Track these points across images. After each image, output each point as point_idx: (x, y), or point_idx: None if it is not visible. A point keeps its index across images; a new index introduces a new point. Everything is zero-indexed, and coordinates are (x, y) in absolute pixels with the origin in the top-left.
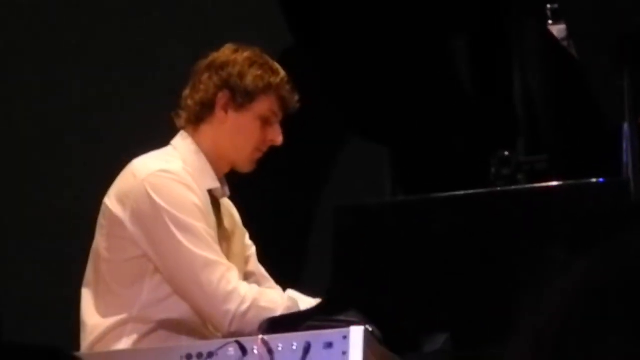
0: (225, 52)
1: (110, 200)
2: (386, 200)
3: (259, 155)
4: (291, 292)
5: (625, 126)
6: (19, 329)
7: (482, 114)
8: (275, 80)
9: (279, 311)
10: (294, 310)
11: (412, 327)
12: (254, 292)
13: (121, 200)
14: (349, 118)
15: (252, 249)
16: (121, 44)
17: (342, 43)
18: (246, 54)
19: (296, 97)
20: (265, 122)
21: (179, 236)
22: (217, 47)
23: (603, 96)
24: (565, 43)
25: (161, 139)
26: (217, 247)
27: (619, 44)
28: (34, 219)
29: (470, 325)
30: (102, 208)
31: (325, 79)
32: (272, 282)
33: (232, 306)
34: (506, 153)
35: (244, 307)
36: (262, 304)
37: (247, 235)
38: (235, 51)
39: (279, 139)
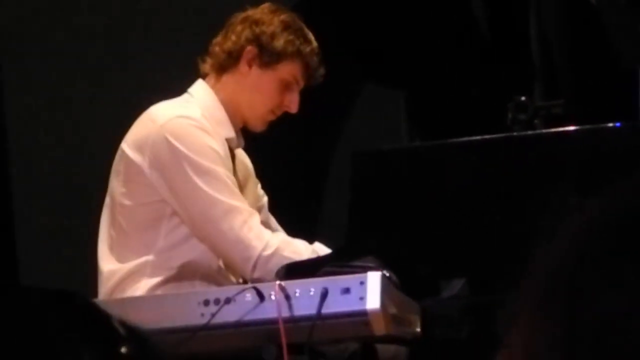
0: (264, 10)
1: (128, 146)
2: (403, 145)
3: (272, 117)
4: (318, 245)
5: None
6: (36, 276)
7: (499, 60)
8: (305, 48)
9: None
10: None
11: (429, 272)
12: (279, 240)
13: (139, 146)
14: (365, 65)
15: (264, 199)
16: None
17: None
18: (283, 16)
19: (322, 71)
20: (285, 86)
21: (200, 182)
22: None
23: (619, 39)
24: None
25: (179, 88)
26: (238, 193)
27: None
28: (50, 165)
29: (487, 270)
30: (118, 154)
31: (342, 27)
32: (280, 230)
33: (255, 252)
34: (523, 98)
35: (267, 253)
36: (286, 253)
37: (259, 186)
38: (274, 12)
39: (294, 106)
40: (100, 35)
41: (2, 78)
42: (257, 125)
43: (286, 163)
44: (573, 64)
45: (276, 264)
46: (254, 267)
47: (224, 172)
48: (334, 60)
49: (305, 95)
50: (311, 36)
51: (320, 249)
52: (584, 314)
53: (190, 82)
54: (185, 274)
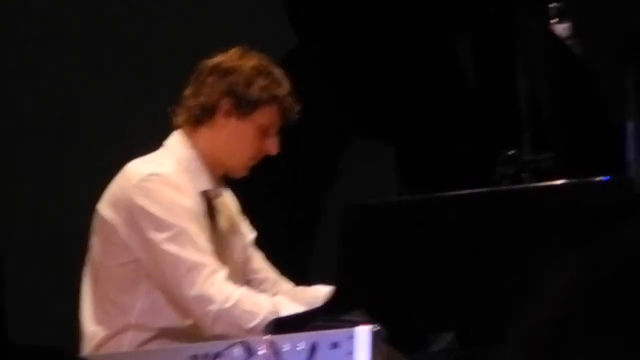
0: (232, 57)
1: (103, 206)
2: (393, 199)
3: (252, 163)
4: (279, 298)
5: (630, 124)
6: (24, 332)
7: (487, 113)
8: (279, 92)
9: (262, 315)
10: (277, 314)
11: (419, 326)
12: (239, 293)
13: (115, 205)
14: (356, 118)
15: (250, 237)
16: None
17: (349, 44)
18: (253, 61)
19: (297, 109)
20: (264, 132)
21: (164, 240)
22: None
23: (607, 94)
24: (569, 41)
25: (156, 140)
26: (205, 247)
27: (623, 42)
28: (38, 221)
29: (476, 324)
30: (95, 216)
31: (332, 80)
32: (277, 276)
33: (214, 307)
34: (511, 152)
35: (226, 306)
36: (246, 306)
37: (247, 224)
38: (242, 57)
39: (274, 149)
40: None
41: None
42: (238, 172)
43: (278, 215)
44: (562, 117)
45: (236, 317)
46: (214, 321)
47: (192, 228)
48: (325, 113)
49: (297, 146)
50: (282, 76)
51: (282, 302)
52: None
53: (165, 131)
54: (167, 335)
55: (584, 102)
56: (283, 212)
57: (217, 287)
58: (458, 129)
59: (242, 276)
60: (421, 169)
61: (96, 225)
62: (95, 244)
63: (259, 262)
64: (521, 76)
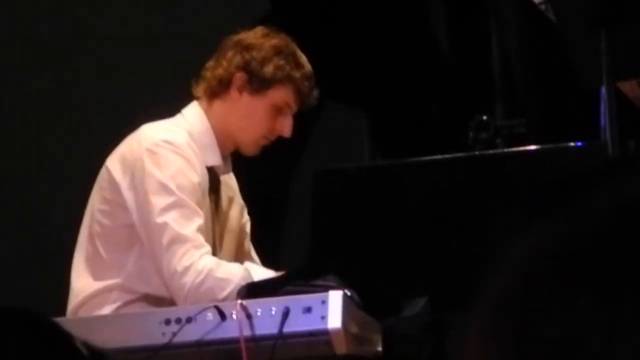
0: (256, 34)
1: (112, 163)
2: (365, 164)
3: (265, 142)
4: (248, 264)
5: (603, 90)
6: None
7: (461, 79)
8: (295, 73)
9: (235, 281)
10: (249, 280)
11: (390, 291)
12: (211, 264)
13: (123, 165)
14: (329, 85)
15: (247, 226)
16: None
17: (324, 14)
18: (275, 41)
19: (315, 94)
20: (277, 111)
21: (157, 204)
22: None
23: (580, 60)
24: (542, 7)
25: (175, 105)
26: (197, 225)
27: (597, 7)
28: (24, 176)
29: (447, 289)
30: (103, 170)
31: (306, 48)
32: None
33: (188, 279)
34: (484, 117)
35: (199, 279)
36: (218, 274)
37: (245, 210)
38: (265, 36)
39: (287, 130)
40: (99, 44)
41: None
42: (250, 149)
43: (252, 180)
44: (535, 83)
45: (209, 287)
46: (187, 294)
47: (190, 202)
48: None
49: None
50: (304, 60)
51: (252, 268)
52: (533, 339)
53: (185, 99)
54: (152, 301)
55: (557, 67)
56: (256, 178)
57: (192, 260)
58: (432, 95)
59: (233, 255)
60: (395, 134)
61: (102, 179)
62: (96, 198)
63: (248, 246)
64: (495, 42)
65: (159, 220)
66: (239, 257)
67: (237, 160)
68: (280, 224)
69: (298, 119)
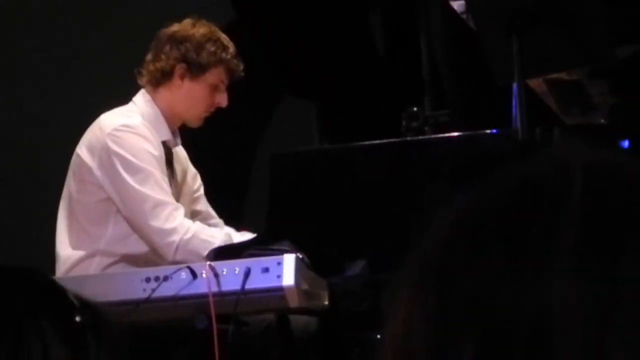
0: (185, 27)
1: (82, 150)
2: (315, 147)
3: (207, 114)
4: (227, 229)
5: (514, 85)
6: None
7: (395, 76)
8: (225, 55)
9: (217, 243)
10: (230, 243)
11: (336, 255)
12: (197, 226)
13: (91, 150)
14: (283, 79)
15: (201, 190)
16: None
17: (280, 18)
18: (202, 29)
19: (241, 68)
20: (214, 89)
21: (132, 180)
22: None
23: (495, 60)
24: (464, 16)
25: (125, 96)
26: (167, 189)
27: (509, 17)
28: (21, 162)
29: (383, 253)
30: (74, 157)
31: (264, 47)
32: (216, 218)
33: (176, 238)
34: (415, 108)
35: (187, 237)
36: (203, 236)
37: (198, 177)
38: (193, 26)
39: (224, 102)
40: (59, 45)
41: None
42: (195, 123)
43: (215, 162)
44: (457, 80)
45: (195, 246)
46: (176, 250)
47: (156, 172)
48: (256, 75)
49: (232, 103)
50: (228, 41)
51: (232, 233)
52: (452, 291)
53: (135, 88)
54: (128, 260)
55: (476, 67)
56: (220, 160)
57: (178, 221)
58: (371, 88)
59: (189, 216)
60: (340, 122)
61: (74, 165)
62: (73, 182)
63: (203, 206)
64: (424, 45)
65: (136, 191)
66: (193, 217)
67: (204, 144)
68: (242, 201)
69: (258, 108)
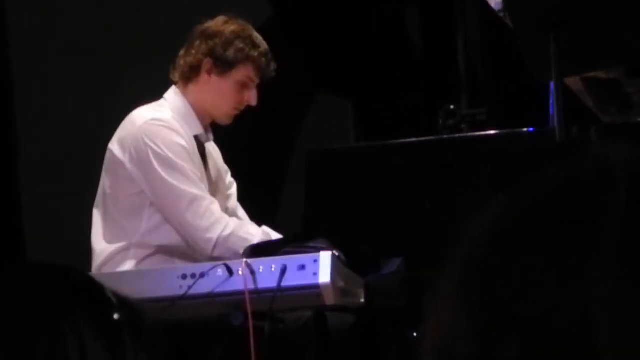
0: (217, 23)
1: (114, 146)
2: (351, 145)
3: (236, 112)
4: (265, 228)
5: (552, 84)
6: (41, 253)
7: (431, 74)
8: (253, 53)
9: (255, 241)
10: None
11: (372, 252)
12: (235, 223)
13: (122, 145)
14: (320, 77)
15: (233, 188)
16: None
17: (317, 17)
18: (233, 27)
19: (273, 67)
20: (242, 86)
21: (165, 174)
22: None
23: (533, 59)
24: (501, 14)
25: (158, 92)
26: (200, 184)
27: (545, 15)
28: (59, 160)
29: (419, 251)
30: (107, 153)
31: (301, 45)
32: (247, 220)
33: (215, 234)
34: (451, 106)
35: (226, 233)
36: (241, 234)
37: (229, 174)
38: (225, 23)
39: (253, 101)
40: (100, 47)
41: (13, 78)
42: (224, 120)
43: (251, 159)
44: (494, 78)
45: (233, 242)
46: (215, 246)
47: (188, 166)
48: (295, 74)
49: (269, 101)
50: (260, 40)
51: (268, 231)
52: (493, 292)
53: (168, 86)
54: (166, 252)
55: (513, 65)
56: (256, 157)
57: (216, 216)
58: (407, 87)
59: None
60: (376, 120)
61: (107, 161)
62: (106, 178)
63: (232, 204)
64: (461, 43)
65: (171, 185)
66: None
67: (241, 141)
68: (277, 195)
69: (297, 106)
